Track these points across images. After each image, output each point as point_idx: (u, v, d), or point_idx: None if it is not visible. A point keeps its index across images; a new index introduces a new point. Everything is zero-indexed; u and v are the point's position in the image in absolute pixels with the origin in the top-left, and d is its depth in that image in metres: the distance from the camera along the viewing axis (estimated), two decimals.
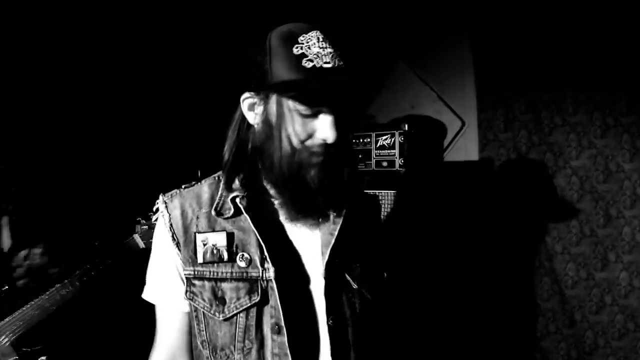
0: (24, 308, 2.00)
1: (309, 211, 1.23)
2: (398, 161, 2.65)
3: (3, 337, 1.94)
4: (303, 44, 1.12)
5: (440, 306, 2.85)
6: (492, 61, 2.97)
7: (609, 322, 2.65)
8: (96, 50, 2.68)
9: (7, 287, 2.07)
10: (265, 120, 1.18)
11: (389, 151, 2.69)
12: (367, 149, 2.77)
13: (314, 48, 1.12)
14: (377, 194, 2.64)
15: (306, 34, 1.13)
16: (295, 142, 1.15)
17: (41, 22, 2.47)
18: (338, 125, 1.14)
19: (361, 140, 2.78)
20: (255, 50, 1.17)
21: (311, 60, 1.11)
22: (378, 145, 2.73)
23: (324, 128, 1.14)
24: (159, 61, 2.90)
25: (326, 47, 1.12)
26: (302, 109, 1.13)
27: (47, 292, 2.01)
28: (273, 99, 1.16)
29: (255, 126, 1.22)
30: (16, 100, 2.35)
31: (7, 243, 2.07)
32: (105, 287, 2.10)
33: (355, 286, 1.26)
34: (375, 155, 2.75)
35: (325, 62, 1.11)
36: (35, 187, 2.28)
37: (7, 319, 1.97)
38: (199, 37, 3.00)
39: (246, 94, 1.22)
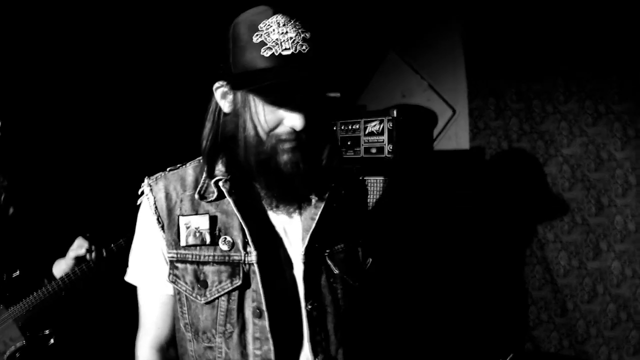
0: (35, 294, 2.06)
1: (286, 198, 1.21)
2: (387, 148, 2.63)
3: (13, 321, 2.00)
4: (262, 31, 1.08)
5: (429, 295, 2.82)
6: (483, 50, 2.95)
7: (601, 311, 2.62)
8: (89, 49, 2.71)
9: (18, 272, 2.09)
10: (235, 109, 1.17)
11: (377, 137, 2.67)
12: (356, 135, 2.75)
13: (273, 34, 1.07)
14: (366, 180, 2.62)
15: (267, 19, 1.09)
16: (262, 131, 1.13)
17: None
18: (306, 110, 1.12)
19: (350, 127, 2.77)
20: (222, 40, 1.16)
21: (270, 49, 1.07)
22: (367, 131, 2.70)
23: (290, 116, 1.11)
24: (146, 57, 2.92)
25: (287, 32, 1.08)
26: (265, 98, 1.11)
27: (58, 279, 2.07)
28: (241, 90, 1.15)
29: (227, 115, 1.21)
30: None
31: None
32: (111, 273, 2.11)
33: (336, 271, 1.25)
34: (364, 142, 2.72)
35: (285, 49, 1.06)
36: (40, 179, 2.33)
37: (18, 305, 2.03)
38: (182, 28, 3.01)
39: (217, 83, 1.20)
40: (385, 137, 2.64)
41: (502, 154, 2.92)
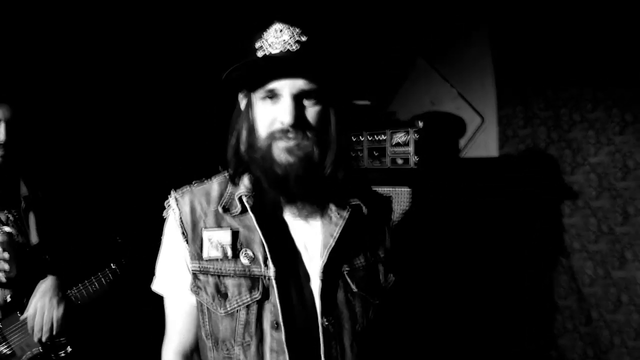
0: None
1: (303, 212, 1.27)
2: (413, 159, 2.67)
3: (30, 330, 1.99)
4: (262, 37, 1.20)
5: (454, 305, 2.85)
6: (511, 57, 2.96)
7: (625, 321, 2.61)
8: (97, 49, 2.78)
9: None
10: (249, 114, 1.26)
11: (404, 148, 2.71)
12: (382, 146, 2.80)
13: (270, 39, 1.18)
14: (391, 191, 2.67)
15: (270, 26, 1.20)
16: (262, 128, 1.21)
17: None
18: (296, 107, 1.18)
19: (376, 137, 2.81)
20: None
21: (263, 50, 1.18)
22: (393, 142, 2.75)
23: (280, 111, 1.19)
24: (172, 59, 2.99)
25: (280, 36, 1.18)
26: (260, 95, 1.20)
27: (74, 288, 2.09)
28: (249, 94, 1.25)
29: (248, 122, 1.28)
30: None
31: (34, 238, 2.13)
32: (127, 283, 2.17)
33: (355, 289, 1.28)
34: (390, 153, 2.77)
35: (275, 49, 1.17)
36: (58, 188, 2.35)
37: None
38: (206, 36, 3.07)
39: (240, 94, 1.30)
40: (411, 149, 2.68)
41: (530, 162, 2.92)
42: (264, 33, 1.19)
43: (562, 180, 2.80)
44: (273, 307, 1.20)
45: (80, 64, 2.74)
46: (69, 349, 2.08)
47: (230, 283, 1.23)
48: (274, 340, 1.20)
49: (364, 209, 1.35)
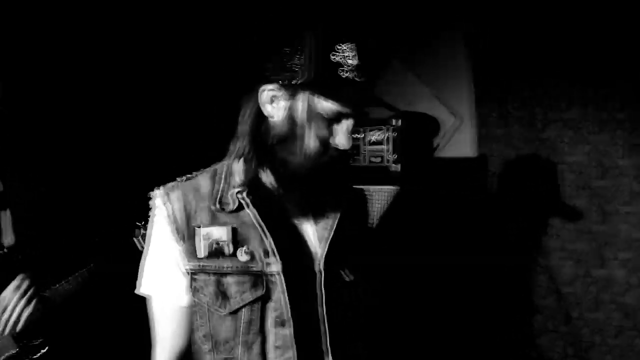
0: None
1: (307, 210, 1.27)
2: (389, 157, 2.63)
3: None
4: (339, 53, 1.14)
5: (434, 306, 2.82)
6: (486, 57, 2.95)
7: (606, 319, 2.62)
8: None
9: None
10: (289, 116, 1.19)
11: (380, 147, 2.67)
12: (356, 144, 2.75)
13: (350, 60, 1.14)
14: (369, 189, 2.63)
15: (343, 43, 1.15)
16: (315, 142, 1.16)
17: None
18: (351, 132, 1.19)
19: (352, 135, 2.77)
20: (285, 46, 1.18)
21: (346, 71, 1.14)
22: (368, 140, 2.71)
23: (341, 134, 1.17)
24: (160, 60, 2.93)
25: (357, 61, 1.15)
26: (328, 112, 1.15)
27: (52, 287, 2.02)
28: (302, 97, 1.16)
29: (273, 119, 1.22)
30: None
31: (9, 237, 2.05)
32: (105, 284, 2.11)
33: (354, 279, 1.28)
34: (366, 151, 2.73)
35: (356, 76, 1.14)
36: (34, 184, 2.24)
37: None
38: (200, 34, 3.01)
39: (268, 86, 1.20)
40: (387, 146, 2.65)
41: (506, 161, 2.92)
42: (337, 47, 1.15)
43: (539, 179, 2.80)
44: (276, 304, 1.18)
45: (63, 58, 2.66)
46: (44, 350, 2.02)
47: (231, 281, 1.19)
48: (279, 337, 1.18)
49: (351, 202, 1.38)
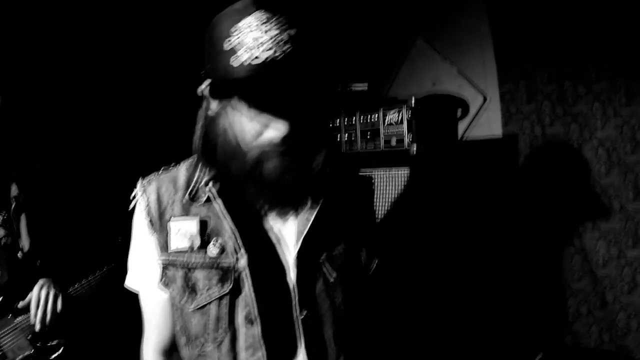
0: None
1: (276, 206, 1.16)
2: (407, 138, 2.54)
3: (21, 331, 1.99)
4: (239, 32, 0.99)
5: (461, 288, 2.74)
6: (511, 32, 2.83)
7: None
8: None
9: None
10: (214, 116, 1.11)
11: (397, 128, 2.58)
12: (376, 128, 2.67)
13: (254, 33, 0.98)
14: (387, 172, 2.58)
15: (245, 18, 0.99)
16: (244, 140, 1.06)
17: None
18: (291, 116, 1.03)
19: (369, 118, 2.69)
20: (202, 40, 1.09)
21: (242, 55, 0.98)
22: (386, 122, 2.63)
23: (273, 124, 1.04)
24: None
25: (268, 30, 0.98)
26: (244, 102, 1.03)
27: (74, 286, 2.05)
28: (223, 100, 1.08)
29: (213, 117, 1.13)
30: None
31: (26, 243, 2.10)
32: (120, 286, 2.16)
33: (334, 276, 1.19)
34: (384, 134, 2.65)
35: (264, 49, 0.97)
36: (52, 186, 2.31)
37: (26, 314, 2.00)
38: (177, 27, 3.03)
39: (202, 85, 1.12)
40: (404, 127, 2.56)
41: (535, 139, 2.79)
42: (240, 24, 0.99)
43: (569, 157, 2.65)
44: (246, 301, 1.11)
45: (74, 64, 2.74)
46: (60, 351, 2.04)
47: (199, 276, 1.13)
48: (249, 335, 1.11)
49: (342, 192, 1.26)
